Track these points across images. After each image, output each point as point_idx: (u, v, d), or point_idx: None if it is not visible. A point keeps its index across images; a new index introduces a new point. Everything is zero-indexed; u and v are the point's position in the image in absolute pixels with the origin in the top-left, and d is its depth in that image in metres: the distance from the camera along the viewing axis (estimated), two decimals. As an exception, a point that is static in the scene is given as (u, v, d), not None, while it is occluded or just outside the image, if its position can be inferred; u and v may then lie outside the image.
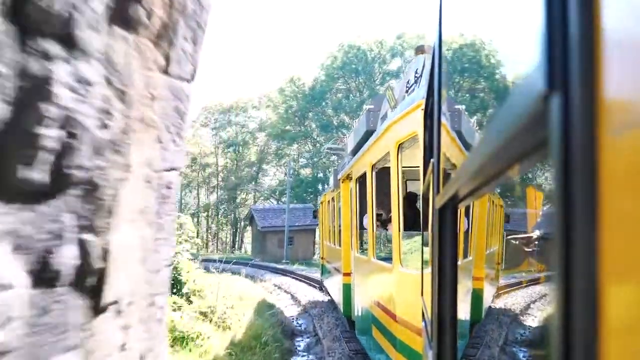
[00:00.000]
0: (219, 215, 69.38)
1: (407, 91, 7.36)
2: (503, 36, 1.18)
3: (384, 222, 8.27)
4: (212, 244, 71.08)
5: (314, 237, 43.66)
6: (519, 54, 0.94)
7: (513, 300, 1.47)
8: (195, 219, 72.87)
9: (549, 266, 0.80)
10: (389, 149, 6.47)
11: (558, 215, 0.50)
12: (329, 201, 15.48)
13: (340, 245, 12.01)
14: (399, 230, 6.04)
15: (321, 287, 20.50)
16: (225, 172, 67.09)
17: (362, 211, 8.63)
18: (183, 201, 73.75)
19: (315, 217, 23.40)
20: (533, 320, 1.12)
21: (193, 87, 2.59)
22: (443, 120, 2.07)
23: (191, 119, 54.67)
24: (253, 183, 64.45)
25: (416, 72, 7.00)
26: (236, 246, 67.51)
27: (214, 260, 23.23)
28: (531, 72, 0.64)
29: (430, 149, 2.63)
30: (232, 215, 67.82)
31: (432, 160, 2.40)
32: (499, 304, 1.69)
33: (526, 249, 1.39)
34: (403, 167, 6.42)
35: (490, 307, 2.03)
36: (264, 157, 65.16)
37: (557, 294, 0.48)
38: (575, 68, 0.50)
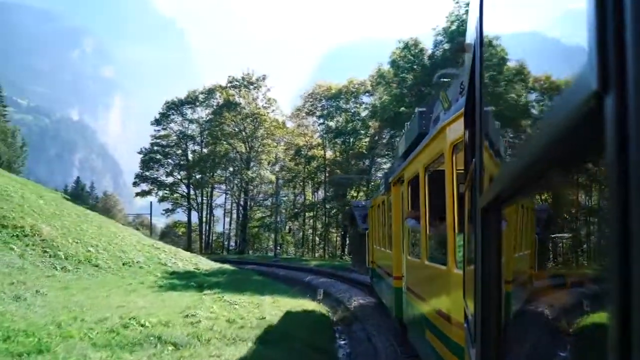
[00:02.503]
0: (327, 215, 61.20)
1: (460, 92, 6.87)
2: (551, 34, 1.18)
3: (434, 224, 7.42)
4: (320, 248, 62.90)
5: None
6: (568, 53, 0.92)
7: (544, 305, 1.47)
8: (300, 219, 65.66)
9: (599, 271, 0.80)
10: (443, 151, 6.36)
11: (614, 217, 0.46)
12: (379, 205, 15.63)
13: (390, 249, 11.94)
14: (454, 232, 5.93)
15: (371, 292, 20.42)
16: (334, 166, 58.74)
17: (414, 215, 8.56)
18: (285, 198, 66.56)
19: (364, 221, 25.84)
20: (568, 324, 1.15)
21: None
22: (484, 120, 2.09)
23: (294, 104, 46.90)
24: (364, 177, 55.29)
25: None
26: (346, 250, 58.47)
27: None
28: (582, 72, 0.62)
29: (472, 150, 2.61)
30: (341, 214, 59.08)
31: (473, 160, 2.42)
32: (531, 308, 1.65)
33: (564, 252, 1.43)
34: (458, 169, 6.08)
35: (520, 310, 1.89)
36: (377, 147, 55.82)
37: (613, 299, 0.46)
38: (631, 68, 0.48)
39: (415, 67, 43.76)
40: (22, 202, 26.40)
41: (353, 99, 59.61)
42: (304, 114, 61.88)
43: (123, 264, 25.99)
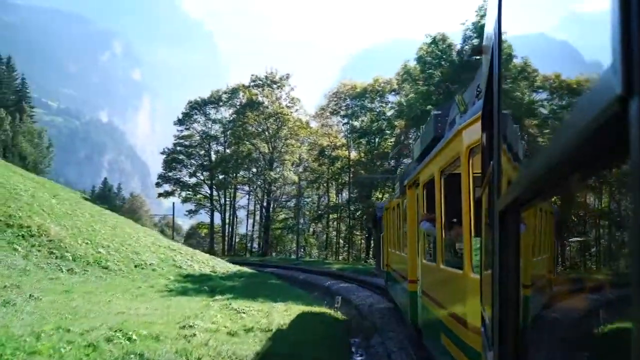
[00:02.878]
0: (351, 217, 59.62)
1: (477, 95, 6.74)
2: (572, 36, 1.19)
3: (449, 227, 7.35)
4: (345, 251, 61.37)
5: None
6: (590, 55, 0.92)
7: (563, 310, 1.49)
8: (324, 221, 64.19)
9: (620, 275, 0.81)
10: (459, 154, 6.34)
11: (637, 221, 0.46)
12: (393, 208, 15.63)
13: (405, 252, 11.92)
14: (470, 236, 5.90)
15: (385, 295, 20.42)
16: (358, 167, 57.13)
17: (429, 218, 8.51)
18: (309, 200, 65.21)
19: (374, 225, 26.73)
20: (588, 329, 1.17)
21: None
22: (503, 123, 2.09)
23: (319, 105, 45.19)
24: (389, 178, 53.60)
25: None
26: (371, 253, 56.84)
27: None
28: (606, 75, 0.62)
29: (490, 152, 2.62)
30: (365, 216, 57.47)
31: (491, 162, 2.43)
32: (550, 312, 1.66)
33: (584, 257, 1.44)
34: (474, 173, 6.11)
35: (538, 315, 1.89)
36: (402, 147, 54.05)
37: (635, 304, 0.44)
38: None
39: (443, 63, 41.84)
40: (31, 201, 25.52)
41: (378, 98, 57.94)
42: (328, 114, 60.39)
43: (135, 266, 24.89)
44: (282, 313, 15.48)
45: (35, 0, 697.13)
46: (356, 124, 58.74)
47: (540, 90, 1.55)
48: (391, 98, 57.83)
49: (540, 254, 1.87)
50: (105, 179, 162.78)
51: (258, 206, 68.42)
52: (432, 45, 42.97)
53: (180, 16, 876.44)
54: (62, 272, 20.52)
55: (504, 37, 2.08)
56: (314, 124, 64.14)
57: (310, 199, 66.23)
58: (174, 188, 69.60)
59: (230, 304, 15.62)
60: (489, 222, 2.66)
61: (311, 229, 67.00)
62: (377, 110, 57.94)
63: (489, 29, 2.57)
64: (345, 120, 59.58)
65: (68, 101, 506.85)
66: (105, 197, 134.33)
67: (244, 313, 14.49)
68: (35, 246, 21.38)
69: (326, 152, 59.24)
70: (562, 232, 1.59)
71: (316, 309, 17.41)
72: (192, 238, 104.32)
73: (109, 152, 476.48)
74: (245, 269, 35.26)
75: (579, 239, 1.46)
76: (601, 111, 0.63)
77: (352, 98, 58.40)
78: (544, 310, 1.76)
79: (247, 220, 72.17)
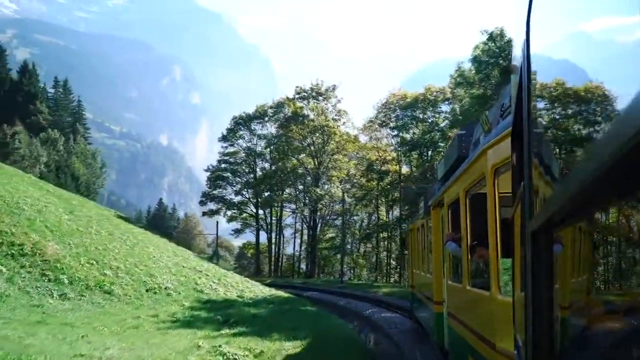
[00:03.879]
0: (402, 236, 55.26)
1: (501, 115, 6.62)
2: (605, 54, 1.20)
3: (475, 248, 7.18)
4: (396, 272, 56.96)
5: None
6: (625, 74, 0.93)
7: (601, 333, 1.46)
8: (374, 241, 60.05)
9: None
10: (484, 173, 6.24)
11: None
12: (418, 228, 15.66)
13: (430, 273, 11.82)
14: (497, 257, 5.82)
15: (410, 317, 19.80)
16: (409, 182, 52.91)
17: (454, 238, 8.43)
18: (357, 217, 61.27)
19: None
20: (631, 353, 1.16)
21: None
22: (534, 142, 2.09)
23: (368, 117, 41.50)
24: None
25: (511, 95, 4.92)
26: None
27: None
28: None
29: (520, 172, 2.61)
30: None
31: (522, 183, 2.43)
32: (587, 336, 1.62)
33: (621, 278, 1.44)
34: (500, 192, 5.96)
35: (574, 338, 1.86)
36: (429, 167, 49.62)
37: None
38: None
39: (501, 61, 37.45)
40: (34, 216, 22.97)
41: (431, 108, 53.75)
42: (376, 126, 56.49)
43: (147, 290, 21.86)
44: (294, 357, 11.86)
45: (98, 28, 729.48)
46: (407, 136, 54.66)
47: (571, 110, 1.53)
48: (444, 108, 53.61)
49: (577, 274, 1.75)
50: (161, 199, 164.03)
51: (305, 225, 64.93)
52: (489, 43, 38.67)
53: (237, 41, 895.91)
54: (52, 297, 17.63)
55: (532, 56, 2.08)
56: (362, 138, 60.45)
57: (358, 217, 62.28)
58: (219, 206, 67.17)
59: (221, 348, 12.04)
60: (521, 242, 2.60)
61: (361, 249, 62.97)
62: (430, 120, 53.76)
63: (518, 48, 2.57)
64: (395, 133, 55.56)
65: (130, 125, 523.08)
66: (160, 218, 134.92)
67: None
68: (25, 267, 18.61)
69: (375, 167, 55.31)
70: (598, 252, 1.54)
71: (344, 347, 13.72)
72: (243, 258, 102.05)
73: (169, 174, 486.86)
74: (280, 292, 31.78)
75: (616, 258, 1.42)
76: (638, 129, 0.61)
77: (403, 109, 54.41)
78: (581, 334, 1.68)
79: (294, 239, 68.81)
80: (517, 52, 2.63)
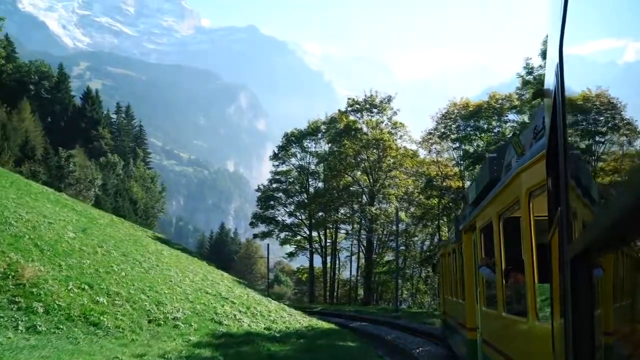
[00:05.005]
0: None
1: (534, 137, 6.50)
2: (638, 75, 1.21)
3: (510, 273, 7.18)
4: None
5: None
6: None
7: None
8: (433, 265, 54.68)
9: None
10: (518, 197, 6.20)
11: None
12: (449, 253, 15.54)
13: (463, 299, 11.65)
14: (534, 282, 5.71)
15: (443, 344, 19.51)
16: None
17: (488, 263, 8.57)
18: (415, 238, 56.15)
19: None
20: None
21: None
22: (571, 165, 2.09)
23: (426, 129, 37.36)
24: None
25: (544, 118, 4.97)
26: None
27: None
28: None
29: (557, 195, 2.61)
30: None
31: (559, 208, 2.42)
32: None
33: None
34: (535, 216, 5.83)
35: None
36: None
37: None
38: None
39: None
40: (24, 233, 19.95)
41: (496, 117, 48.54)
42: (436, 139, 51.55)
43: (149, 321, 18.26)
44: None
45: (167, 59, 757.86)
46: (469, 148, 49.54)
47: (611, 131, 1.52)
48: (512, 117, 48.25)
49: (620, 299, 1.69)
50: (223, 223, 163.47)
51: (361, 247, 60.32)
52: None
53: (301, 68, 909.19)
54: (16, 330, 14.22)
55: (566, 78, 2.09)
56: (421, 153, 55.60)
57: (418, 238, 57.14)
58: (271, 228, 63.76)
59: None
60: (559, 268, 2.58)
61: (423, 273, 57.70)
62: (496, 130, 48.48)
63: (550, 72, 2.60)
64: (457, 145, 50.53)
65: (198, 152, 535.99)
66: (222, 242, 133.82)
67: None
68: (-9, 293, 15.39)
69: (435, 183, 50.33)
70: (629, 278, 1.52)
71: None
72: (302, 284, 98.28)
73: (235, 200, 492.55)
74: (322, 324, 27.59)
75: None
76: None
77: (464, 119, 49.42)
78: None
79: (351, 263, 64.28)
80: (549, 76, 2.64)
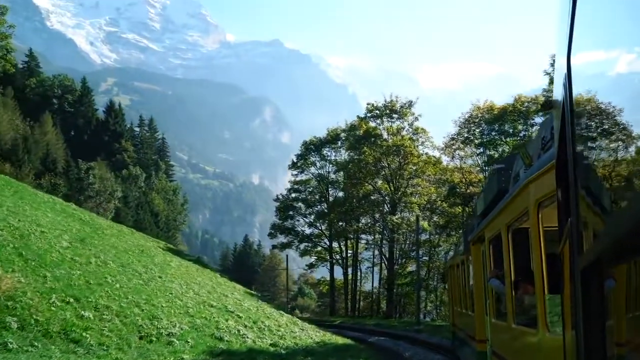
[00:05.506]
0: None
1: (542, 148, 6.38)
2: None
3: (520, 284, 6.99)
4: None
5: None
6: None
7: None
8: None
9: None
10: (527, 208, 6.09)
11: None
12: (457, 265, 15.60)
13: (473, 311, 11.66)
14: (544, 293, 5.62)
15: (452, 356, 19.53)
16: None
17: (498, 274, 8.44)
18: (439, 248, 53.84)
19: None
20: None
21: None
22: (581, 176, 2.10)
23: (447, 133, 35.17)
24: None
25: (552, 128, 5.28)
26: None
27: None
28: None
29: (567, 206, 2.60)
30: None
31: (570, 219, 2.42)
32: None
33: None
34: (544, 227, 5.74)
35: None
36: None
37: None
38: None
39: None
40: (8, 240, 18.61)
41: (522, 120, 46.31)
42: (459, 144, 49.40)
43: (140, 338, 16.71)
44: None
45: (192, 73, 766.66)
46: (494, 153, 47.31)
47: (621, 141, 1.53)
48: (538, 120, 45.96)
49: (632, 310, 1.67)
50: (246, 236, 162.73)
51: (383, 258, 58.17)
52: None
53: (325, 81, 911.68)
54: (-17, 349, 12.79)
55: (574, 88, 2.11)
56: (444, 159, 53.45)
57: (442, 248, 54.80)
58: (290, 239, 62.04)
59: None
60: (570, 279, 2.58)
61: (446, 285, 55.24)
62: (522, 134, 46.22)
63: (558, 83, 2.61)
64: (481, 150, 48.33)
65: (223, 165, 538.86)
66: (246, 255, 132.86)
67: None
68: (-42, 306, 14.01)
69: (458, 190, 48.15)
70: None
71: None
72: (325, 296, 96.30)
73: (260, 212, 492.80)
74: (337, 339, 25.77)
75: None
76: None
77: (489, 123, 47.27)
78: None
79: (373, 274, 62.13)
80: (557, 86, 2.65)
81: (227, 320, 21.58)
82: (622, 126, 1.49)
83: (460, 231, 50.23)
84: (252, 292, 40.55)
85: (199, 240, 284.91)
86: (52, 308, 15.73)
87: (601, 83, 1.77)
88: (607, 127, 1.71)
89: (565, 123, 2.31)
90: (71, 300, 16.70)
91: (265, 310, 28.07)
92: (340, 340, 25.52)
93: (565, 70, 2.27)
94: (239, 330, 20.90)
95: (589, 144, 2.02)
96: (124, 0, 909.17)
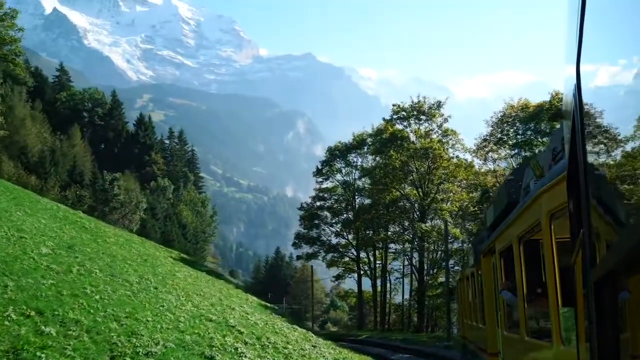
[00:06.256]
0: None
1: (553, 159, 6.58)
2: None
3: (532, 296, 7.11)
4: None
5: None
6: None
7: None
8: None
9: None
10: (539, 220, 6.07)
11: None
12: (467, 277, 15.54)
13: (484, 324, 11.55)
14: (557, 306, 5.62)
15: None
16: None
17: (509, 286, 8.42)
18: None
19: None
20: None
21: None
22: (592, 186, 2.09)
23: (479, 134, 33.39)
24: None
25: (563, 139, 5.61)
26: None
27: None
28: None
29: (579, 217, 2.57)
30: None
31: (581, 230, 2.40)
32: None
33: None
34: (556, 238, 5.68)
35: None
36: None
37: None
38: None
39: None
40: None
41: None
42: (492, 145, 46.10)
43: (112, 358, 14.35)
44: None
45: (226, 88, 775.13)
46: (529, 155, 43.88)
47: (630, 153, 1.55)
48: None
49: (634, 323, 1.71)
50: (278, 248, 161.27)
51: (413, 268, 54.96)
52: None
53: (357, 93, 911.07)
54: None
55: (584, 98, 2.10)
56: (477, 162, 50.15)
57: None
58: (316, 249, 59.40)
59: None
60: (583, 291, 2.55)
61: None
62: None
63: (568, 93, 2.59)
64: (515, 151, 44.96)
65: (257, 179, 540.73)
66: (278, 267, 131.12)
67: None
68: None
69: (492, 194, 44.79)
70: None
71: None
72: (356, 309, 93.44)
73: (294, 225, 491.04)
74: (352, 356, 23.05)
75: None
76: None
77: (523, 122, 43.97)
78: None
79: (403, 285, 58.92)
80: (567, 96, 2.62)
81: (224, 337, 19.10)
82: (633, 136, 1.45)
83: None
84: (267, 304, 38.02)
85: (233, 253, 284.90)
86: (6, 322, 13.50)
87: (611, 93, 1.75)
88: (617, 137, 1.68)
89: (576, 133, 2.28)
90: (32, 313, 14.47)
91: (276, 324, 25.51)
92: (356, 358, 22.79)
93: (575, 81, 2.25)
94: (236, 349, 18.36)
95: (600, 154, 1.97)
96: (159, 18, 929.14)
